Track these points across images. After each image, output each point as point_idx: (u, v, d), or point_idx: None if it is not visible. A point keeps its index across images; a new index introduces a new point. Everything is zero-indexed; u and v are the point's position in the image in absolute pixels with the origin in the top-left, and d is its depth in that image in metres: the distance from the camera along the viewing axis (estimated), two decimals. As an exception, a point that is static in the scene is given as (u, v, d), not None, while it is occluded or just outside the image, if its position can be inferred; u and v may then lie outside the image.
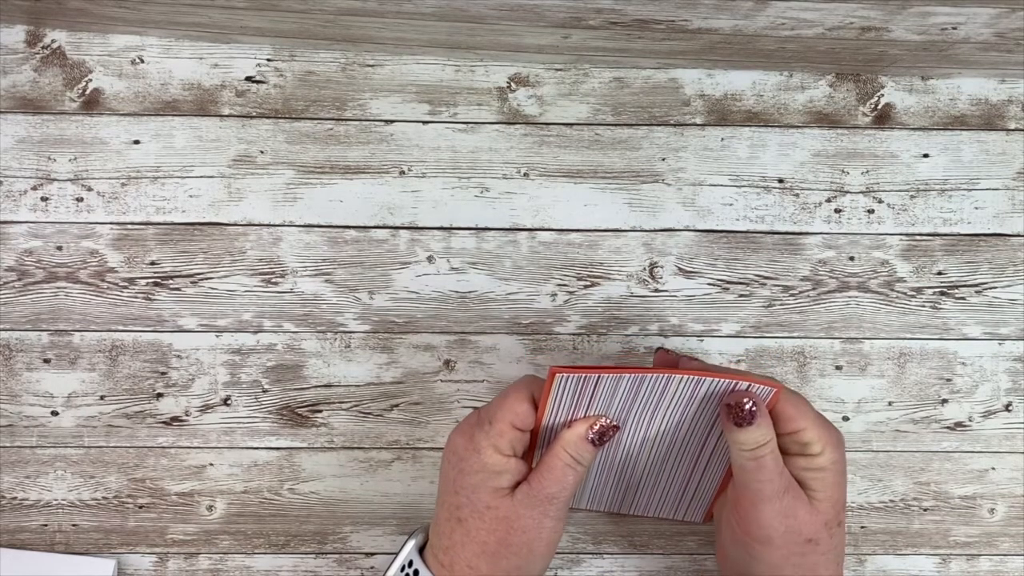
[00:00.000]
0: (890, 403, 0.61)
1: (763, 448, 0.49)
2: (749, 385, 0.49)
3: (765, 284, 0.61)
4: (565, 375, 0.48)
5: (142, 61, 0.61)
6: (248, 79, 0.61)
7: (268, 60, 0.61)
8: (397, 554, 0.52)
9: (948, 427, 0.61)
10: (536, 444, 0.52)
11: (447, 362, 0.61)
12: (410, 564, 0.52)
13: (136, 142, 0.61)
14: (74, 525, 0.60)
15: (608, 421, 0.50)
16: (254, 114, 0.61)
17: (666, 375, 0.49)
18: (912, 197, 0.62)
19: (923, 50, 0.57)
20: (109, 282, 0.60)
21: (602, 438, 0.50)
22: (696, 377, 0.49)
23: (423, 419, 0.61)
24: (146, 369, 0.60)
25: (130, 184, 0.60)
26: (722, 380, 0.49)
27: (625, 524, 0.61)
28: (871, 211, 0.62)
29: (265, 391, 0.60)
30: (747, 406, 0.49)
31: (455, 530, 0.51)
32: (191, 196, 0.61)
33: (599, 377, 0.48)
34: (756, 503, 0.50)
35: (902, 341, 0.61)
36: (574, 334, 0.61)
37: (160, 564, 0.60)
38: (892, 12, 0.52)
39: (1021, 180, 0.62)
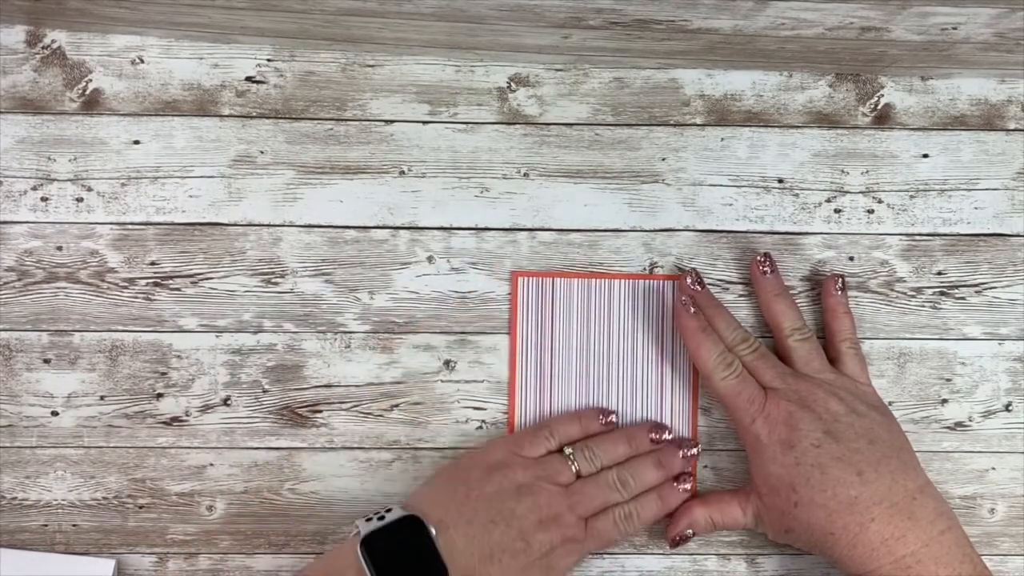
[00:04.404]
0: (890, 403, 0.61)
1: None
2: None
3: (765, 284, 0.61)
4: (526, 278, 0.60)
5: (142, 61, 0.61)
6: (248, 79, 0.61)
7: (268, 60, 0.61)
8: None
9: (948, 427, 0.61)
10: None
11: (447, 362, 0.61)
12: None
13: (136, 142, 0.61)
14: (74, 525, 0.60)
15: None
16: (254, 114, 0.61)
17: (608, 280, 0.60)
18: (912, 197, 0.62)
19: (923, 50, 0.57)
20: (109, 282, 0.60)
21: None
22: (632, 281, 0.60)
23: (423, 419, 0.61)
24: (146, 369, 0.60)
25: (130, 184, 0.60)
26: (653, 281, 0.60)
27: (625, 524, 0.61)
28: (871, 211, 0.62)
29: (265, 391, 0.60)
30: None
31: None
32: (191, 196, 0.61)
33: (554, 280, 0.60)
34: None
35: (902, 341, 0.61)
36: (574, 334, 0.61)
37: (160, 564, 0.60)
38: (892, 12, 0.52)
39: (1021, 180, 0.62)
